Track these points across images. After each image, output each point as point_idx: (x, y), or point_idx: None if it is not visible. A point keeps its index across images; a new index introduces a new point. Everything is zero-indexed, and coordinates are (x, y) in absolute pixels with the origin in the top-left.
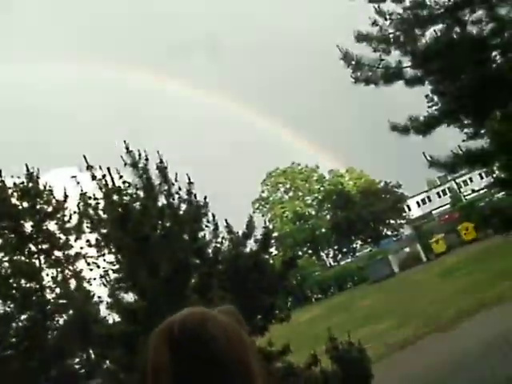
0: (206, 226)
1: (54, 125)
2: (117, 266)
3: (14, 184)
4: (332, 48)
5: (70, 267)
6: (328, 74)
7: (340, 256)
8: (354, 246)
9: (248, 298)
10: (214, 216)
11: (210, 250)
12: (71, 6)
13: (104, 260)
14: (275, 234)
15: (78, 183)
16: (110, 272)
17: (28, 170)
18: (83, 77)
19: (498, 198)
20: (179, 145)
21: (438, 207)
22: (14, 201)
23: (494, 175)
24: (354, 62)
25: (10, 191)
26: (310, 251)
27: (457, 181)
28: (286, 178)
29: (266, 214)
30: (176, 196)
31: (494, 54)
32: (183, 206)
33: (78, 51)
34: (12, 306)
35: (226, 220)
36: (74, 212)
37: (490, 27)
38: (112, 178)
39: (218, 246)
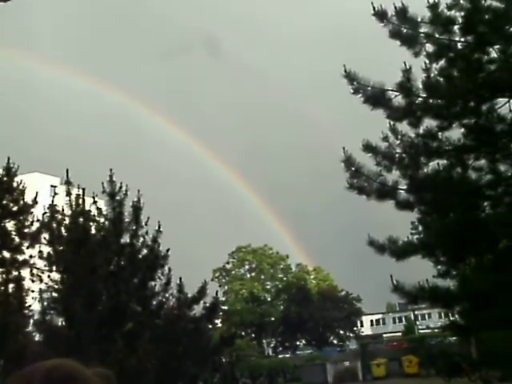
0: (159, 278)
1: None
2: (59, 286)
3: None
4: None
5: (14, 272)
6: (331, 172)
7: (280, 349)
8: (298, 343)
9: (175, 361)
10: (169, 270)
11: (154, 302)
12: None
13: (49, 276)
14: (225, 308)
15: (55, 194)
16: (51, 290)
17: (8, 163)
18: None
19: (449, 342)
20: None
21: (390, 332)
22: None
23: (451, 319)
24: (353, 169)
25: None
26: (253, 335)
27: (416, 312)
28: (253, 258)
29: (224, 285)
30: (141, 239)
31: (485, 203)
32: (144, 251)
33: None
34: None
35: (180, 278)
36: (38, 220)
37: (488, 178)
38: (83, 200)
39: (164, 300)
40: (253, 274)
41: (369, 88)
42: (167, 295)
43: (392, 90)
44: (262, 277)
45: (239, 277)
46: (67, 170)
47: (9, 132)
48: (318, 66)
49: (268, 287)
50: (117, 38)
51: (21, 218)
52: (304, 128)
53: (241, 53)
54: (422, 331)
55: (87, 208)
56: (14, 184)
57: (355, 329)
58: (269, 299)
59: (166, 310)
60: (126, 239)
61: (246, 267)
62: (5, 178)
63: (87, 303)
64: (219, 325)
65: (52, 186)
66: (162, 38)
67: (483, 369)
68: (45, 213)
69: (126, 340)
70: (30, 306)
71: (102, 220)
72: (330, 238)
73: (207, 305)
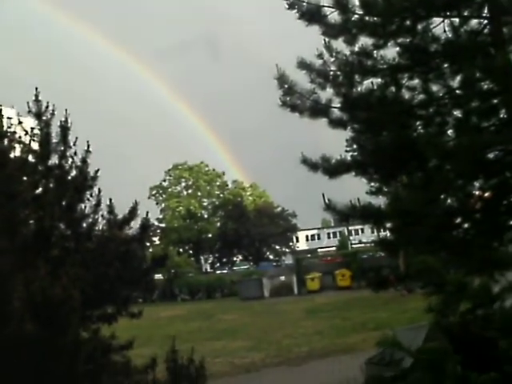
0: (89, 200)
1: None
2: None
3: None
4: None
5: None
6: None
7: (218, 265)
8: (234, 259)
9: (104, 285)
10: (99, 191)
11: (84, 225)
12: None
13: None
14: (163, 225)
15: None
16: None
17: None
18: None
19: (379, 255)
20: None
21: (325, 247)
22: None
23: (381, 235)
24: (286, 86)
25: None
26: (190, 251)
27: (349, 228)
28: (190, 175)
29: (161, 203)
30: (69, 160)
31: (417, 123)
32: (73, 173)
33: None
34: None
35: (110, 199)
36: None
37: (420, 98)
38: (1, 120)
39: (94, 222)
40: (189, 192)
41: (304, 3)
42: (97, 217)
43: (328, 7)
44: (199, 194)
45: (176, 194)
46: None
47: None
48: None
49: (205, 204)
50: None
51: None
52: (241, 40)
53: None
54: (355, 246)
55: (12, 129)
56: None
57: (291, 244)
58: (206, 216)
59: (96, 232)
60: (54, 161)
61: (183, 184)
62: None
63: (7, 231)
64: (157, 242)
65: None
66: None
67: (408, 280)
68: None
69: (50, 266)
70: None
71: (27, 141)
72: (266, 155)
73: (138, 225)
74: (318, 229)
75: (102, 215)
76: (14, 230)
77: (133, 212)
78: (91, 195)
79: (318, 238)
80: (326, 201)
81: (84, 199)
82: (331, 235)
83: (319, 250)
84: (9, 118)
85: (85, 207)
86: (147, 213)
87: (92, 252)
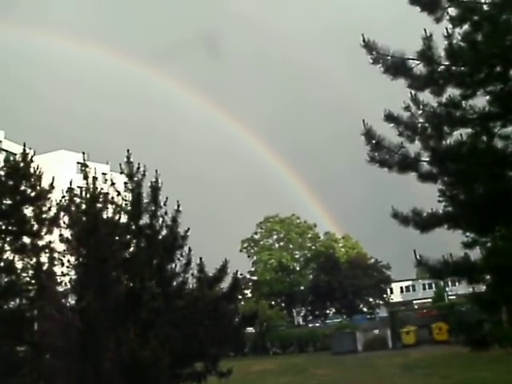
0: (178, 259)
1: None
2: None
3: (6, 160)
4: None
5: (33, 258)
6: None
7: (310, 318)
8: (327, 312)
9: (194, 343)
10: (189, 250)
11: (175, 283)
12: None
13: (68, 261)
14: (254, 278)
15: (82, 171)
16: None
17: (24, 149)
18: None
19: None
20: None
21: (420, 299)
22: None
23: (477, 292)
24: (374, 141)
25: None
26: (283, 304)
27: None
28: (281, 227)
29: (252, 256)
30: (160, 219)
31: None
32: (164, 232)
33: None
34: None
35: (200, 258)
36: (57, 203)
37: None
38: (94, 181)
39: (184, 280)
40: (281, 244)
41: (388, 57)
42: (187, 276)
43: (413, 59)
44: (291, 246)
45: (268, 247)
46: (83, 153)
47: (35, 111)
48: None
49: (297, 256)
50: None
51: (39, 203)
52: (330, 90)
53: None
54: (451, 297)
55: (105, 190)
56: (31, 170)
57: (385, 296)
58: (298, 268)
59: (187, 291)
60: (145, 220)
61: (275, 237)
62: (21, 164)
63: (99, 293)
64: (249, 295)
65: (78, 162)
66: None
67: None
68: (63, 196)
69: (140, 328)
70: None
71: (120, 202)
72: (359, 205)
73: (228, 284)
74: (413, 280)
75: (193, 274)
76: (107, 291)
77: (223, 270)
78: (181, 254)
79: (413, 290)
80: (418, 257)
81: (174, 258)
82: (426, 286)
83: (414, 301)
84: (103, 174)
85: (175, 266)
86: (237, 271)
87: (182, 311)
